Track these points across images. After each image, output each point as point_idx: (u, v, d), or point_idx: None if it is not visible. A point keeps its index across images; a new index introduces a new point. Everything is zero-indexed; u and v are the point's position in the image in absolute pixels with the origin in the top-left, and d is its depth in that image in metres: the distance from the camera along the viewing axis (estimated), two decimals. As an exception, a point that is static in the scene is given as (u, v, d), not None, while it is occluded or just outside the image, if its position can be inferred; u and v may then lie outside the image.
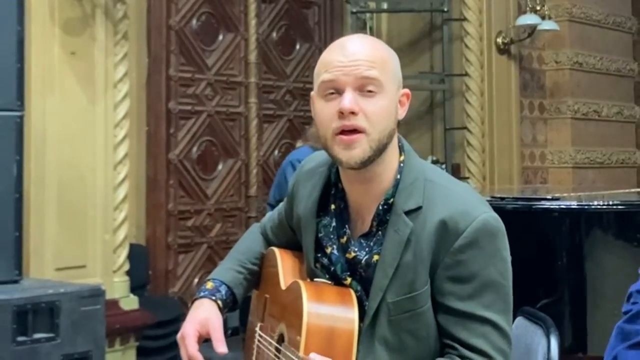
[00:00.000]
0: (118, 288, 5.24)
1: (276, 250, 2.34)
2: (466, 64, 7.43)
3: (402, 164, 2.06)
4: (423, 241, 1.96)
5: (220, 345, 2.13)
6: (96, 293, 4.16)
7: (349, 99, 1.94)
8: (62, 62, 4.98)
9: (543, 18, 7.46)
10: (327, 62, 2.01)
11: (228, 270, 2.34)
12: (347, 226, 2.11)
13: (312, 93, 2.07)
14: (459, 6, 7.44)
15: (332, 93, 1.98)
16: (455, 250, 1.95)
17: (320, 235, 2.15)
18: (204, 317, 2.20)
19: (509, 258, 2.03)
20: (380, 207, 2.04)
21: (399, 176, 2.04)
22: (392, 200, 2.02)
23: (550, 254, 4.16)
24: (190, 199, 6.50)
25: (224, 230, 6.67)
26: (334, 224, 2.13)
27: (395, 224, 2.00)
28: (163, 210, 6.31)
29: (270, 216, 2.47)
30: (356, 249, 2.08)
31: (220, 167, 6.71)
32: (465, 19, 7.40)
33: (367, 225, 2.07)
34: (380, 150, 1.97)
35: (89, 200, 5.07)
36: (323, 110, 2.01)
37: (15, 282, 4.08)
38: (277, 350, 2.10)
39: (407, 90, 2.08)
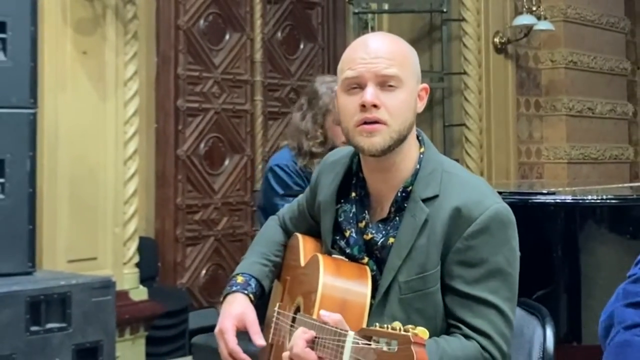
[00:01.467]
0: (128, 279, 5.24)
1: (299, 235, 2.38)
2: (464, 63, 7.42)
3: (422, 155, 2.12)
4: (437, 226, 2.01)
5: (258, 338, 2.16)
6: (107, 284, 4.16)
7: (370, 93, 2.00)
8: (74, 61, 4.97)
9: (539, 18, 7.45)
10: (351, 59, 2.07)
11: (254, 264, 2.35)
12: (366, 212, 2.16)
13: (336, 88, 2.16)
14: (457, 7, 7.42)
15: (355, 88, 2.04)
16: (467, 236, 1.99)
17: (340, 219, 2.20)
18: (240, 311, 2.21)
19: (517, 248, 2.07)
20: (399, 195, 2.09)
21: (418, 166, 2.10)
22: (410, 188, 2.07)
23: (546, 247, 4.15)
24: (198, 194, 6.50)
25: (230, 223, 6.67)
26: (354, 209, 2.18)
27: (413, 210, 2.05)
28: (171, 204, 6.30)
29: (290, 208, 2.52)
30: (373, 232, 2.12)
31: (226, 162, 6.70)
32: (463, 20, 7.39)
33: (386, 212, 2.12)
34: (400, 141, 2.02)
35: (100, 195, 5.07)
36: (346, 104, 2.06)
37: (29, 273, 4.07)
38: (293, 320, 2.12)
39: (425, 85, 2.14)
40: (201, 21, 6.55)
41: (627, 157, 8.98)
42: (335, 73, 2.32)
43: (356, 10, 7.25)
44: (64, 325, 3.93)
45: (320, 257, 2.12)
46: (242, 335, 2.20)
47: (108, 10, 5.15)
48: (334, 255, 2.17)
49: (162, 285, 6.15)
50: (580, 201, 4.30)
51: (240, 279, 2.30)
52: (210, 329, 5.82)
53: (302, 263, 2.26)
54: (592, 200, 4.31)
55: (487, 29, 7.48)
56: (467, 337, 1.98)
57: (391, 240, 2.07)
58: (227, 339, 2.16)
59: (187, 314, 5.93)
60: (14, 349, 3.74)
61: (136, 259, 5.32)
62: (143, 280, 5.45)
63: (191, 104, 6.44)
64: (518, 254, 2.07)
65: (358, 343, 1.69)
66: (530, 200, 4.34)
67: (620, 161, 8.84)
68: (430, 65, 7.68)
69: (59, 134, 4.87)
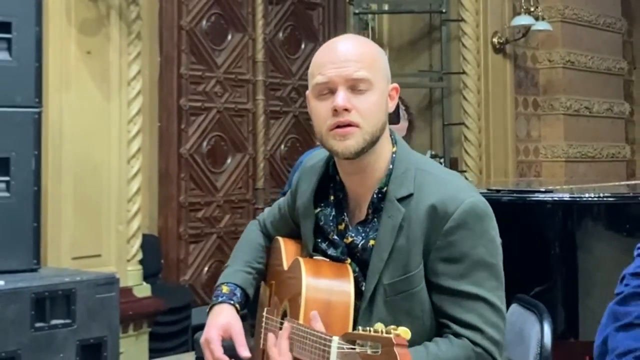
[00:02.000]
0: (131, 276, 5.24)
1: (280, 238, 2.37)
2: (463, 62, 7.41)
3: (394, 155, 2.10)
4: (415, 225, 2.00)
5: (244, 350, 2.15)
6: (111, 281, 4.15)
7: (341, 98, 1.99)
8: (78, 60, 4.97)
9: (537, 19, 7.45)
10: (320, 64, 2.07)
11: (238, 272, 2.36)
12: (345, 214, 2.16)
13: (307, 92, 2.12)
14: (456, 7, 7.42)
15: (326, 93, 2.03)
16: (445, 232, 1.98)
17: (320, 223, 2.19)
18: (226, 322, 2.20)
19: (497, 239, 2.05)
20: (375, 196, 2.08)
21: (391, 166, 2.08)
22: (385, 188, 2.06)
23: (543, 244, 4.15)
24: (201, 192, 6.50)
25: (232, 221, 6.67)
26: (333, 213, 2.17)
27: (389, 210, 2.03)
28: (174, 202, 6.31)
29: (270, 212, 2.50)
30: (353, 235, 2.11)
31: (229, 161, 6.71)
32: (462, 20, 7.39)
33: (364, 214, 2.10)
34: (373, 142, 2.01)
35: (104, 193, 5.07)
36: (318, 109, 2.05)
37: (34, 270, 4.07)
38: (281, 324, 2.12)
39: (395, 85, 2.12)
40: (204, 21, 6.56)
41: (623, 155, 8.98)
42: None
43: (357, 11, 7.25)
44: (68, 321, 3.93)
45: (301, 260, 2.11)
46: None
47: (112, 11, 5.15)
48: (315, 257, 2.17)
49: (165, 282, 6.16)
50: (578, 199, 4.29)
51: (225, 289, 2.29)
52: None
53: (285, 267, 2.25)
54: (590, 198, 4.31)
55: (486, 29, 7.48)
56: (457, 334, 1.97)
57: (371, 242, 2.06)
58: (213, 349, 2.16)
59: (189, 310, 5.93)
60: (19, 344, 3.74)
61: (139, 256, 5.32)
62: (146, 277, 5.45)
63: (194, 103, 6.44)
64: (499, 243, 2.05)
65: (343, 348, 1.70)
66: (528, 198, 4.34)
67: (617, 160, 8.84)
68: (430, 65, 7.68)
69: (64, 132, 4.87)
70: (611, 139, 8.78)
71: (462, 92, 7.42)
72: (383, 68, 2.08)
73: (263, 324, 2.31)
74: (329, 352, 1.74)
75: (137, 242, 5.29)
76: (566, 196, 4.36)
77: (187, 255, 6.40)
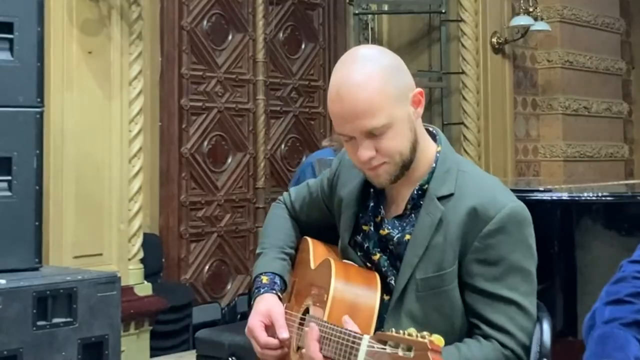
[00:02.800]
0: (133, 275, 5.24)
1: (309, 239, 2.38)
2: (463, 62, 7.41)
3: (438, 154, 2.10)
4: (453, 225, 2.01)
5: (283, 332, 2.14)
6: (112, 280, 4.15)
7: (363, 152, 2.00)
8: (80, 60, 4.97)
9: (535, 19, 7.44)
10: (334, 114, 2.03)
11: (275, 260, 2.34)
12: (382, 207, 2.17)
13: None
14: (456, 8, 7.42)
15: (350, 139, 2.02)
16: (484, 235, 1.99)
17: (360, 215, 2.21)
18: (266, 308, 2.20)
19: (534, 246, 2.07)
20: (415, 192, 2.09)
21: (434, 165, 2.09)
22: (426, 186, 2.07)
23: (542, 243, 4.13)
24: (202, 191, 6.50)
25: (233, 220, 6.68)
26: (372, 204, 2.19)
27: (428, 207, 2.05)
28: (175, 201, 6.31)
29: (298, 196, 2.48)
30: (389, 227, 2.13)
31: (229, 160, 6.71)
32: (462, 20, 7.38)
33: (402, 208, 2.12)
34: (406, 166, 2.03)
35: (105, 192, 5.07)
36: (349, 153, 2.08)
37: (36, 269, 4.07)
38: (302, 320, 2.13)
39: (419, 90, 2.06)
40: (204, 22, 6.55)
41: (622, 155, 8.97)
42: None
43: (356, 11, 7.25)
44: (70, 320, 3.93)
45: (332, 261, 2.12)
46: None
47: (113, 11, 5.14)
48: (345, 261, 2.19)
49: (166, 281, 6.16)
50: (577, 198, 4.29)
51: (265, 279, 2.28)
52: (214, 323, 5.83)
53: (312, 266, 2.27)
54: (588, 198, 4.30)
55: (485, 29, 7.47)
56: (486, 336, 1.99)
57: (407, 236, 2.08)
58: (257, 335, 2.16)
59: (190, 308, 5.93)
60: (20, 343, 3.74)
61: (141, 255, 5.32)
62: (147, 276, 5.45)
63: (195, 103, 6.44)
64: (535, 250, 2.07)
65: (373, 347, 1.68)
66: (527, 197, 4.33)
67: (615, 159, 8.83)
68: (430, 65, 7.68)
69: (65, 132, 4.87)
70: (610, 138, 8.77)
71: (461, 92, 7.42)
72: (393, 95, 1.99)
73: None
74: (357, 350, 1.73)
75: (138, 241, 5.29)
76: (565, 195, 4.35)
77: (188, 254, 6.40)
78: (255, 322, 2.18)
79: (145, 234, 5.45)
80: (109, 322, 4.08)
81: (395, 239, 2.10)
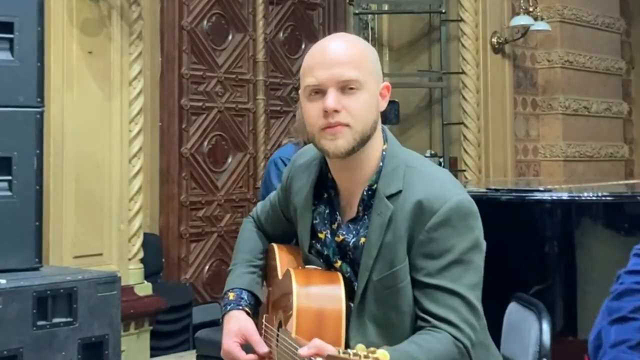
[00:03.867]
0: (133, 275, 5.24)
1: (275, 245, 2.37)
2: (463, 62, 7.41)
3: (384, 152, 2.10)
4: (401, 220, 2.01)
5: (261, 347, 2.15)
6: (112, 280, 4.15)
7: (331, 99, 1.99)
8: (80, 61, 4.97)
9: (535, 19, 7.44)
10: (310, 66, 2.06)
11: (241, 276, 2.33)
12: (337, 212, 2.16)
13: (300, 92, 2.13)
14: (456, 8, 7.41)
15: (317, 93, 2.03)
16: (428, 228, 1.98)
17: (315, 222, 2.20)
18: (237, 327, 2.19)
19: (481, 239, 2.05)
20: (365, 193, 2.09)
21: (381, 163, 2.08)
22: (375, 185, 2.07)
23: (542, 243, 4.15)
24: (202, 191, 6.51)
25: (233, 220, 6.68)
26: (327, 210, 2.18)
27: (378, 207, 2.04)
28: (176, 201, 6.31)
29: (263, 209, 2.48)
30: (344, 233, 2.12)
31: (229, 160, 6.71)
32: (462, 20, 7.38)
33: (355, 211, 2.11)
34: (364, 141, 2.02)
35: (105, 192, 5.07)
36: (310, 110, 2.06)
37: (36, 269, 4.07)
38: (277, 335, 2.12)
39: (387, 84, 2.12)
40: (205, 22, 6.55)
41: (622, 155, 8.97)
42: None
43: (356, 11, 7.25)
44: (70, 319, 3.93)
45: (292, 270, 2.11)
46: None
47: (113, 11, 5.15)
48: (307, 266, 2.18)
49: (166, 281, 6.16)
50: (576, 198, 4.29)
51: (231, 296, 2.28)
52: (214, 323, 5.83)
53: (280, 275, 2.25)
54: (588, 198, 4.31)
55: (485, 29, 7.47)
56: (434, 328, 1.97)
57: (362, 240, 2.07)
58: (236, 357, 2.16)
59: (190, 308, 5.93)
60: (21, 343, 3.74)
61: (141, 255, 5.32)
62: (148, 276, 5.45)
63: (195, 103, 6.44)
64: (482, 243, 2.05)
65: None
66: (527, 197, 4.34)
67: (615, 159, 8.83)
68: (430, 65, 7.67)
69: (65, 132, 4.87)
70: (609, 138, 8.77)
71: (461, 91, 7.42)
72: (373, 67, 2.08)
73: (263, 332, 2.28)
74: None
75: (139, 241, 5.29)
76: (565, 195, 4.36)
77: (188, 254, 6.40)
78: (229, 343, 2.17)
79: (145, 234, 5.45)
80: (109, 321, 4.08)
81: (351, 244, 2.10)
